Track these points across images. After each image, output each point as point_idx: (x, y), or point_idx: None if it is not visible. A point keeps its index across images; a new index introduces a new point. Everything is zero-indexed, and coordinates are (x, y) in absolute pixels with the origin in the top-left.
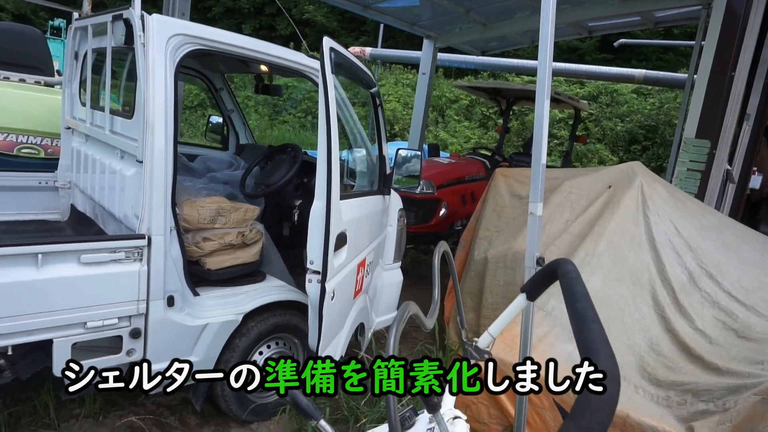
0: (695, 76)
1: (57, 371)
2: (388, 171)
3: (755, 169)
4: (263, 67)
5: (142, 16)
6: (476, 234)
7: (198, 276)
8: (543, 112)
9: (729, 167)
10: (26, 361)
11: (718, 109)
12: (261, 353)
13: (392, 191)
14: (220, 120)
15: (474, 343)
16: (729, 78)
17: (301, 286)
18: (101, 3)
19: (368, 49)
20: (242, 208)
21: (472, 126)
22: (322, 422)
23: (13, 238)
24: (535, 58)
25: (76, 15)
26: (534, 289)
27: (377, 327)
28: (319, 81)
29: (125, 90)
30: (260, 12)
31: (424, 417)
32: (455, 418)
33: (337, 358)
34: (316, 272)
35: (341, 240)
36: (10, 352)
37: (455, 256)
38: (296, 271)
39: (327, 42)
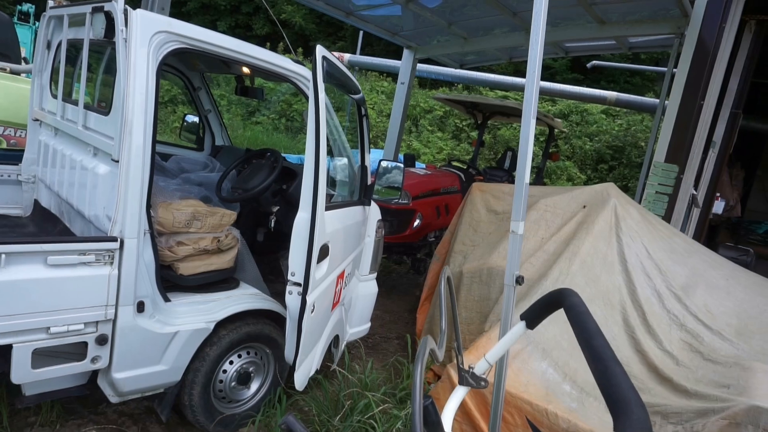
0: (666, 102)
1: (15, 378)
2: (369, 181)
3: (718, 194)
4: (246, 69)
5: (125, 11)
6: (451, 247)
7: (169, 281)
8: (529, 131)
9: (695, 192)
10: None
11: (686, 135)
12: (231, 363)
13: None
14: (197, 119)
15: (471, 370)
16: (698, 106)
17: (274, 294)
18: None
19: (347, 56)
20: (218, 213)
21: (445, 137)
22: None
23: None
24: (509, 74)
25: (51, 2)
26: (534, 318)
27: (350, 338)
28: (310, 90)
29: (102, 85)
30: (236, 10)
31: None
32: None
33: (312, 371)
34: (297, 284)
35: (323, 252)
36: None
37: (429, 269)
38: (269, 279)
39: (320, 51)
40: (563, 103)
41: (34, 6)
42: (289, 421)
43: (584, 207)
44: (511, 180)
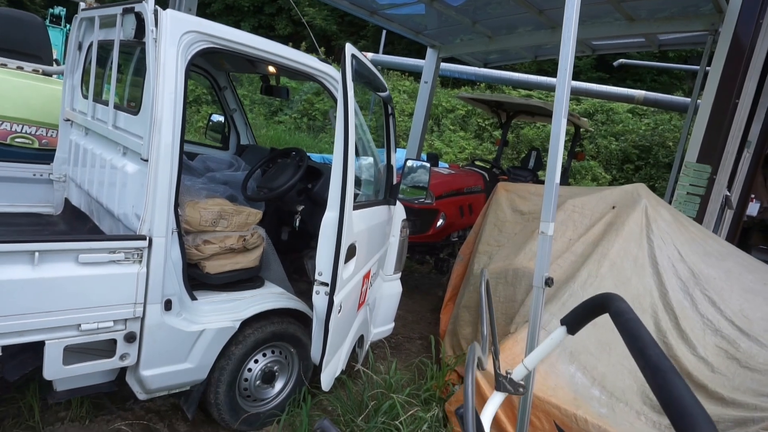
0: (699, 101)
1: (48, 374)
2: (395, 181)
3: (753, 196)
4: (271, 68)
5: (155, 11)
6: (476, 248)
7: (196, 279)
8: (559, 130)
9: (728, 193)
10: (15, 362)
11: (720, 135)
12: (257, 361)
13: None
14: (222, 119)
15: (509, 376)
16: (733, 105)
17: (298, 293)
18: None
19: (369, 55)
20: (245, 212)
21: (467, 136)
22: None
23: (8, 232)
24: (533, 73)
25: (82, 5)
26: (576, 323)
27: (374, 338)
28: (339, 89)
29: (131, 85)
30: (260, 11)
31: None
32: None
33: (338, 372)
34: (324, 284)
35: (351, 252)
36: (0, 353)
37: (452, 269)
38: (293, 278)
39: (349, 49)
40: (588, 102)
41: (65, 9)
42: (324, 425)
43: (613, 208)
44: (536, 180)
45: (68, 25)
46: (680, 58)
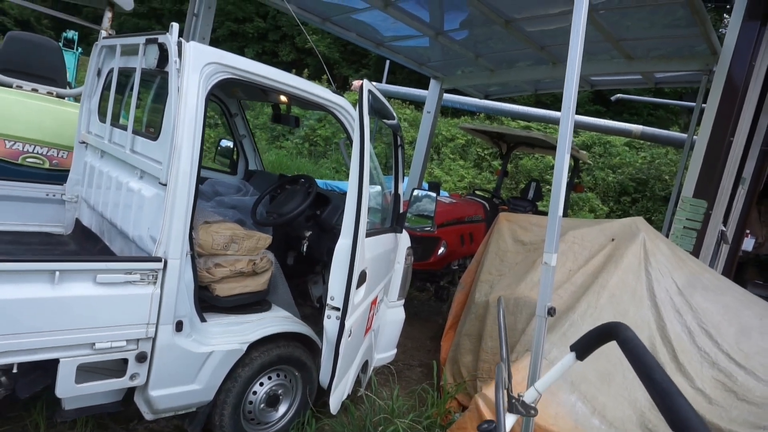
0: (695, 137)
1: (60, 392)
2: (402, 209)
3: (748, 231)
4: (283, 98)
5: (179, 43)
6: (478, 276)
7: (205, 302)
8: (563, 164)
9: (724, 228)
10: (27, 379)
11: (715, 171)
12: (262, 384)
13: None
14: (231, 144)
15: (521, 398)
16: (728, 143)
17: (303, 318)
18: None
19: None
20: (255, 236)
21: (467, 165)
22: None
23: (20, 251)
24: (531, 105)
25: (103, 33)
26: (585, 349)
27: (377, 364)
28: (354, 121)
29: (150, 111)
30: (263, 37)
31: None
32: None
33: (344, 396)
34: (336, 308)
35: (362, 278)
36: (14, 370)
37: (453, 298)
38: (297, 302)
39: (366, 85)
40: (586, 135)
41: (77, 33)
42: None
43: (612, 240)
44: (536, 211)
45: (80, 49)
46: (676, 94)
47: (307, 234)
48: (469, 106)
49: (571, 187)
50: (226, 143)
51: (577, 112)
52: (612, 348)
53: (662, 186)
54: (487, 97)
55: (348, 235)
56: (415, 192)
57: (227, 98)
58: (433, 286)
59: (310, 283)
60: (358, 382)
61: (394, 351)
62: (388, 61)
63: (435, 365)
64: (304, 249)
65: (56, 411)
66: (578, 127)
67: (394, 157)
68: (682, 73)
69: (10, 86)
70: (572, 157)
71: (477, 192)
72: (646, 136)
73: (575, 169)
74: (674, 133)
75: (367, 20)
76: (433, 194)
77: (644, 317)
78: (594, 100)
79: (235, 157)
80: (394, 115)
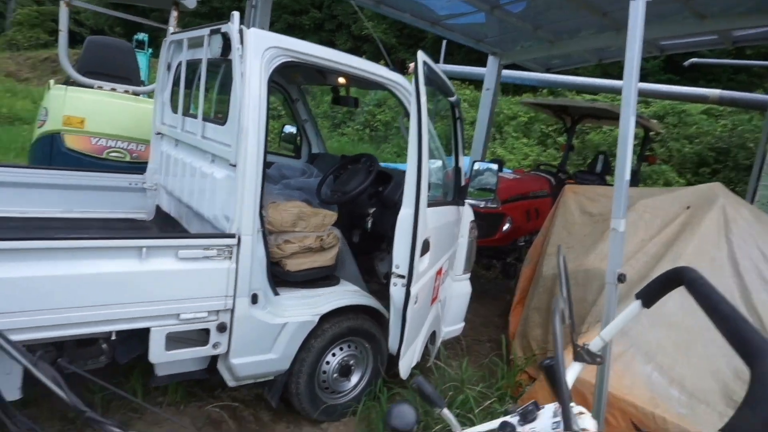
0: None
1: (152, 358)
2: (463, 182)
3: None
4: (341, 80)
5: (240, 30)
6: (545, 250)
7: (277, 276)
8: (628, 129)
9: None
10: (125, 346)
11: None
12: (334, 355)
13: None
14: (294, 130)
15: (586, 346)
16: None
17: (371, 293)
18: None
19: None
20: (321, 214)
21: (530, 143)
22: (446, 411)
23: (113, 233)
24: (597, 76)
25: (171, 29)
26: (651, 296)
27: (445, 336)
28: (411, 95)
29: (217, 98)
30: (320, 27)
31: (547, 410)
32: (580, 413)
33: (413, 363)
34: (401, 276)
35: (425, 246)
36: (113, 337)
37: (520, 272)
38: (364, 279)
39: (420, 56)
40: (658, 105)
41: (147, 35)
42: (419, 381)
43: (688, 208)
44: (604, 184)
45: (150, 50)
46: (759, 55)
47: (371, 211)
48: (531, 80)
49: (643, 158)
50: (290, 129)
51: (648, 81)
52: (690, 317)
53: (746, 154)
54: (548, 71)
55: (410, 205)
56: (477, 165)
57: (288, 84)
58: (500, 263)
59: (376, 260)
60: (426, 353)
61: (462, 324)
62: (444, 41)
63: (504, 339)
64: (369, 226)
65: (151, 378)
66: (648, 96)
67: (453, 130)
68: (764, 29)
69: (92, 87)
70: (642, 126)
71: (542, 167)
72: (725, 100)
73: (645, 139)
74: (758, 96)
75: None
76: (495, 166)
77: (726, 286)
78: (665, 69)
79: (298, 141)
80: (453, 89)
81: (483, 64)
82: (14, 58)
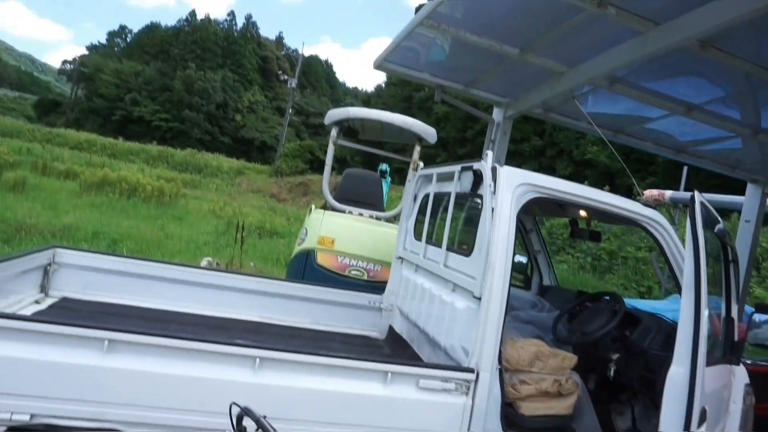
0: None
1: None
2: (737, 335)
3: None
4: (582, 212)
5: (494, 168)
6: None
7: (509, 418)
8: None
9: None
10: None
11: None
12: None
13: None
14: (524, 260)
15: None
16: None
17: None
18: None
19: (668, 193)
20: (560, 355)
21: None
22: None
23: (346, 351)
24: None
25: (420, 165)
26: None
27: None
28: (687, 233)
29: (462, 230)
30: (541, 154)
31: None
32: None
33: None
34: None
35: (702, 416)
36: None
37: None
38: None
39: (697, 197)
40: None
41: (388, 165)
42: None
43: None
44: None
45: (389, 178)
46: None
47: (614, 357)
48: None
49: None
50: (519, 258)
51: None
52: None
53: None
54: None
55: (683, 362)
56: (756, 316)
57: (523, 215)
58: None
59: (613, 413)
60: None
61: None
62: (685, 167)
63: None
64: (611, 373)
65: None
66: None
67: (724, 272)
68: None
69: (344, 212)
70: None
71: None
72: None
73: None
74: None
75: (660, 128)
76: None
77: None
78: None
79: (529, 272)
80: (721, 223)
81: (731, 191)
82: (278, 182)
